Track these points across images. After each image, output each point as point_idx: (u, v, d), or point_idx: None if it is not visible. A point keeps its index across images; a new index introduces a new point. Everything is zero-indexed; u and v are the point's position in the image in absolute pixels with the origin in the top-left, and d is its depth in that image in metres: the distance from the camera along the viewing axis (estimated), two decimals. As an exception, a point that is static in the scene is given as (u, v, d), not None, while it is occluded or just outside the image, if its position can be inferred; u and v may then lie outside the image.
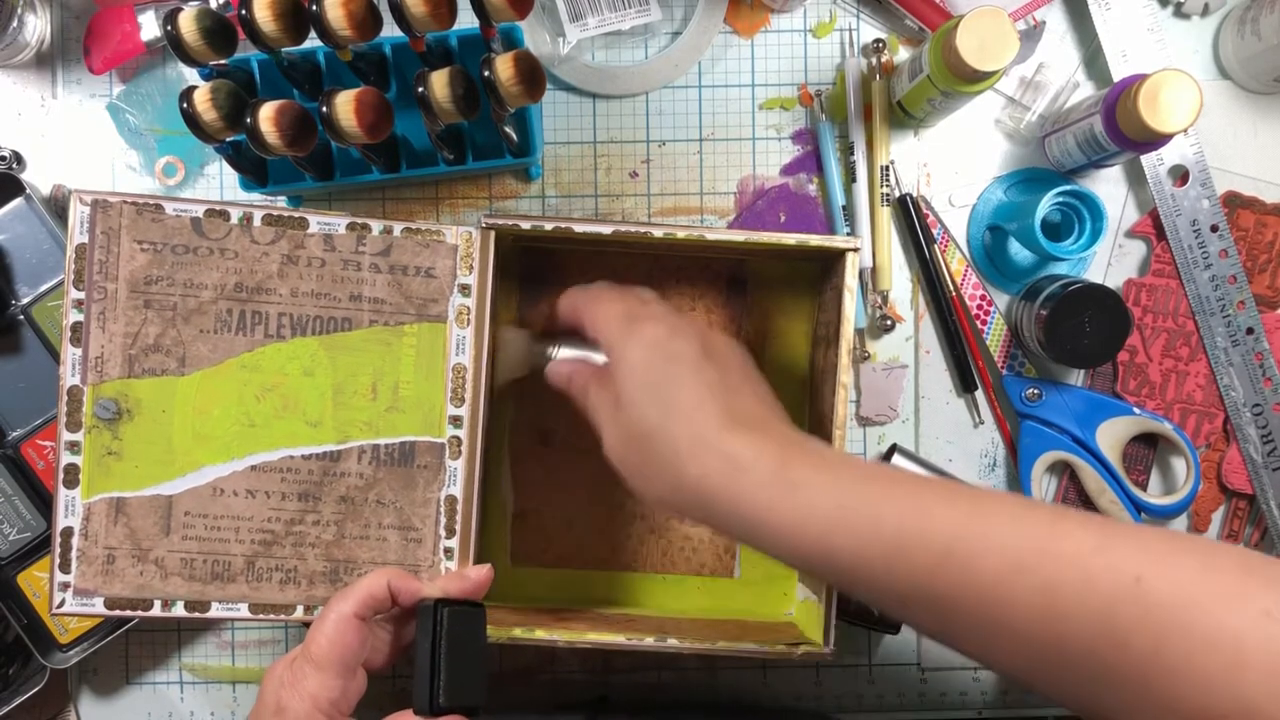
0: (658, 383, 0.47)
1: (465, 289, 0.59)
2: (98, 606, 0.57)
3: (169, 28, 0.52)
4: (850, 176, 0.67)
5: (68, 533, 0.56)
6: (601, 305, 0.53)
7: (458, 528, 0.59)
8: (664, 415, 0.46)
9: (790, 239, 0.59)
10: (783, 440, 0.46)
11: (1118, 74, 0.65)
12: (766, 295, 0.66)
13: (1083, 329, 0.61)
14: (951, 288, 0.67)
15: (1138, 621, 0.35)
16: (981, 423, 0.68)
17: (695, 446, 0.45)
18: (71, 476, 0.56)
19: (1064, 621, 0.36)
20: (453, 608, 0.51)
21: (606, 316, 0.52)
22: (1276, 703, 0.33)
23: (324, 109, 0.53)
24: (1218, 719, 0.34)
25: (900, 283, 0.68)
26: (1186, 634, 0.34)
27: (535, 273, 0.66)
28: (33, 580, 0.65)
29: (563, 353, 0.58)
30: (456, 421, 0.59)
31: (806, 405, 0.66)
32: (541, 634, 0.57)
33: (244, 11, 0.51)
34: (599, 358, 0.55)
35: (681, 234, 0.59)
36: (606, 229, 0.58)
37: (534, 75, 0.54)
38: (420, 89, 0.54)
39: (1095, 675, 0.36)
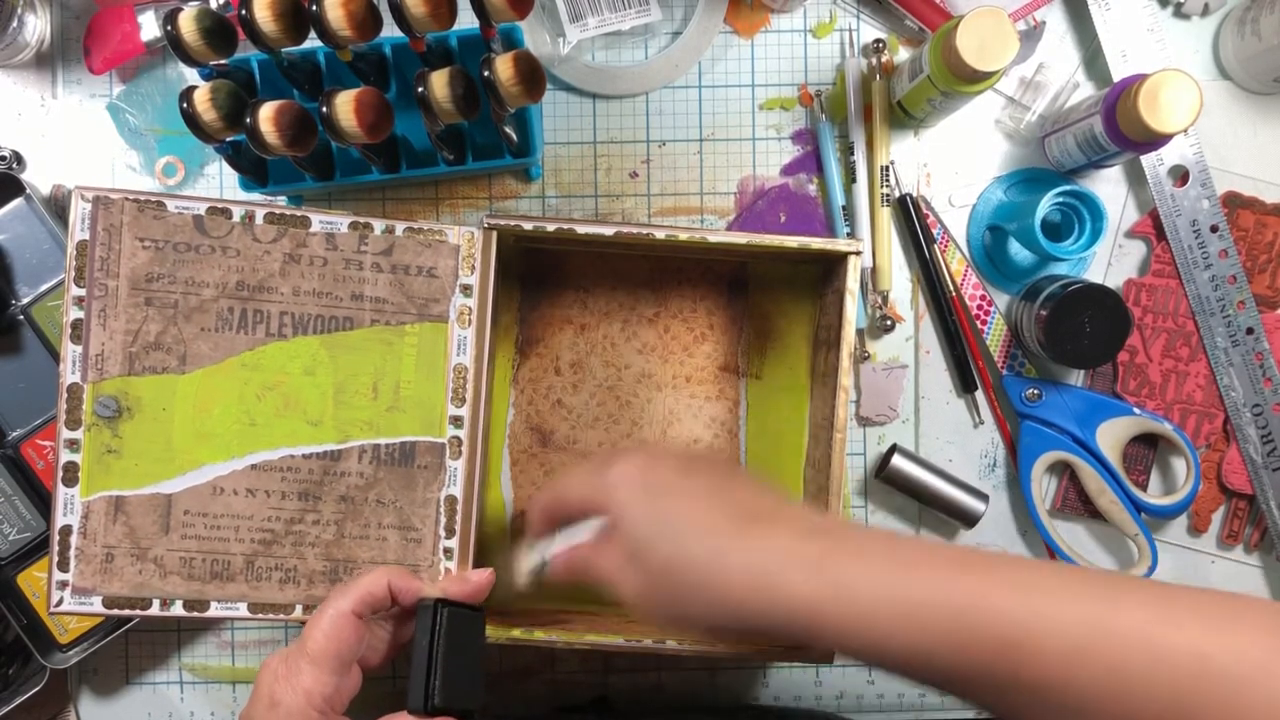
0: (654, 515, 0.46)
1: (467, 289, 0.59)
2: (96, 605, 0.57)
3: (169, 28, 0.52)
4: (850, 176, 0.67)
5: (66, 531, 0.56)
6: (569, 487, 0.51)
7: (458, 528, 0.59)
8: (674, 542, 0.45)
9: (792, 242, 0.59)
10: (805, 530, 0.44)
11: (1118, 74, 0.65)
12: (768, 297, 0.66)
13: (1083, 329, 0.61)
14: (951, 288, 0.67)
15: (1206, 696, 0.35)
16: (981, 423, 0.68)
17: (717, 559, 0.44)
18: (71, 474, 0.56)
19: (1132, 700, 0.37)
20: (453, 608, 0.51)
21: (578, 491, 0.50)
22: None
23: (324, 109, 0.53)
24: None
25: (900, 283, 0.68)
26: (1253, 705, 0.35)
27: (536, 273, 0.66)
28: (32, 580, 0.65)
29: (553, 550, 0.53)
30: (457, 421, 0.59)
31: (807, 407, 0.66)
32: (541, 634, 0.57)
33: (244, 11, 0.52)
34: (582, 531, 0.51)
35: (683, 236, 0.59)
36: (609, 230, 0.58)
37: (534, 75, 0.54)
38: (420, 89, 0.54)
39: None
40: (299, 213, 0.57)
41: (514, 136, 0.63)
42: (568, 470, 0.53)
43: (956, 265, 0.67)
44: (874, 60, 0.66)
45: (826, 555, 0.42)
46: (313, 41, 0.55)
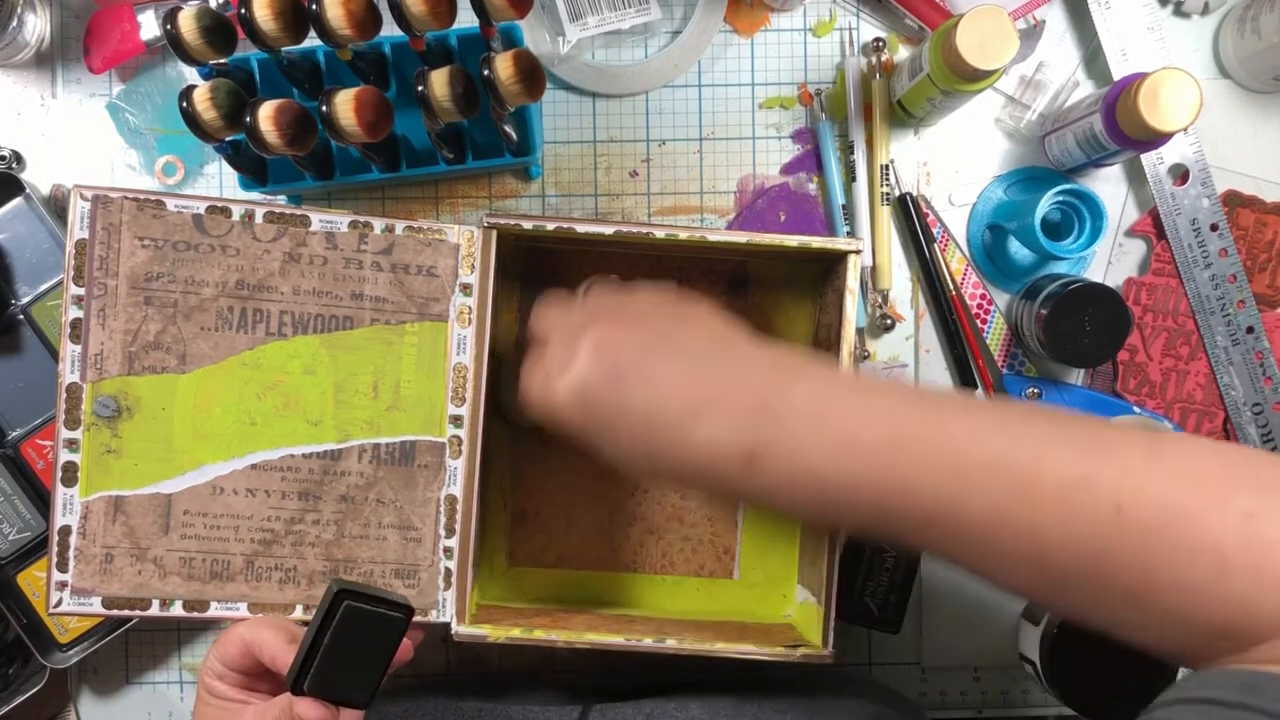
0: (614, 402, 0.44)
1: (467, 288, 0.59)
2: (95, 606, 0.57)
3: (169, 27, 0.52)
4: (850, 176, 0.67)
5: (65, 531, 0.56)
6: (541, 322, 0.49)
7: (457, 527, 0.59)
8: (659, 337, 0.45)
9: (792, 241, 0.59)
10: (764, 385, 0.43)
11: (1118, 73, 0.65)
12: (767, 296, 0.66)
13: (1083, 328, 0.61)
14: (951, 287, 0.67)
15: (1123, 549, 0.36)
16: (982, 422, 0.68)
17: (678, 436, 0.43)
18: (70, 474, 0.56)
19: (1051, 559, 0.38)
20: (353, 604, 0.48)
21: (544, 327, 0.49)
22: (1263, 595, 0.34)
23: (324, 108, 0.53)
24: (1212, 623, 0.35)
25: (900, 282, 0.68)
26: (1171, 552, 0.35)
27: (536, 272, 0.66)
28: (32, 580, 0.65)
29: None
30: (457, 421, 0.59)
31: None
32: (541, 634, 0.57)
33: (244, 11, 0.52)
34: None
35: (683, 235, 0.59)
36: (608, 229, 0.58)
37: (534, 74, 0.54)
38: (420, 88, 0.54)
39: (1090, 600, 0.38)
40: (299, 212, 0.57)
41: (514, 135, 0.63)
42: (549, 307, 0.50)
43: (956, 264, 0.67)
44: (874, 59, 0.66)
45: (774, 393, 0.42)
46: (312, 40, 0.55)
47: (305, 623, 0.52)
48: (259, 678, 0.52)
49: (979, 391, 0.67)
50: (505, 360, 0.62)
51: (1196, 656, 0.37)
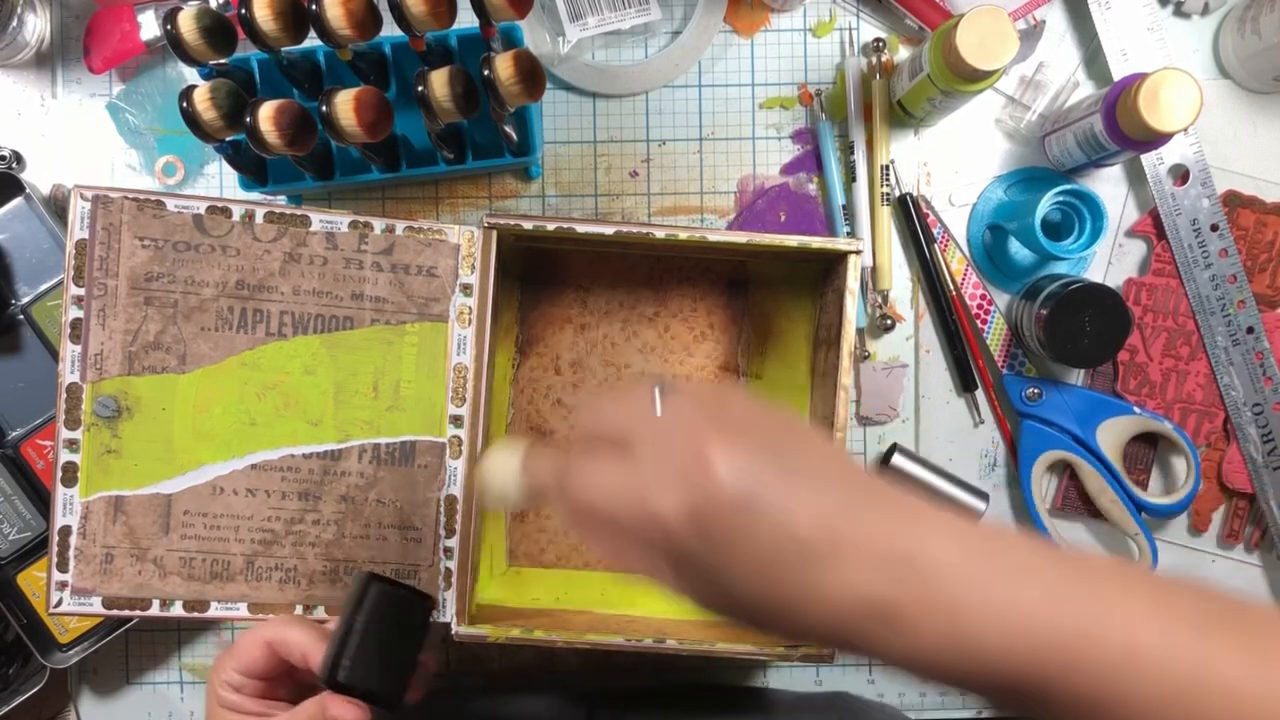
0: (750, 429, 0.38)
1: (467, 288, 0.59)
2: (96, 606, 0.57)
3: (169, 27, 0.52)
4: (850, 176, 0.67)
5: (65, 531, 0.56)
6: (600, 415, 0.41)
7: (458, 528, 0.59)
8: (779, 461, 0.37)
9: (792, 241, 0.59)
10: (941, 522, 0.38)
11: (1118, 73, 0.65)
12: (767, 297, 0.66)
13: (1083, 328, 0.61)
14: (951, 287, 0.67)
15: None
16: (982, 422, 0.68)
17: (835, 521, 0.36)
18: (70, 475, 0.56)
19: None
20: (384, 586, 0.48)
21: (610, 423, 0.40)
22: None
23: (324, 108, 0.53)
24: None
25: (900, 282, 0.68)
26: None
27: (536, 272, 0.66)
28: (32, 580, 0.64)
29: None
30: (457, 421, 0.59)
31: (807, 407, 0.66)
32: (541, 634, 0.57)
33: (244, 11, 0.51)
34: None
35: (683, 235, 0.59)
36: (608, 229, 0.58)
37: (534, 74, 0.54)
38: (420, 88, 0.54)
39: None
40: (299, 212, 0.57)
41: (514, 136, 0.62)
42: (619, 403, 0.41)
43: (956, 264, 0.67)
44: (874, 59, 0.66)
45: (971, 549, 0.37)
46: (312, 41, 0.55)
47: (321, 621, 0.52)
48: (279, 683, 0.51)
49: (985, 413, 0.68)
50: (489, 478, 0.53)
51: None
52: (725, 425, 0.38)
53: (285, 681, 0.51)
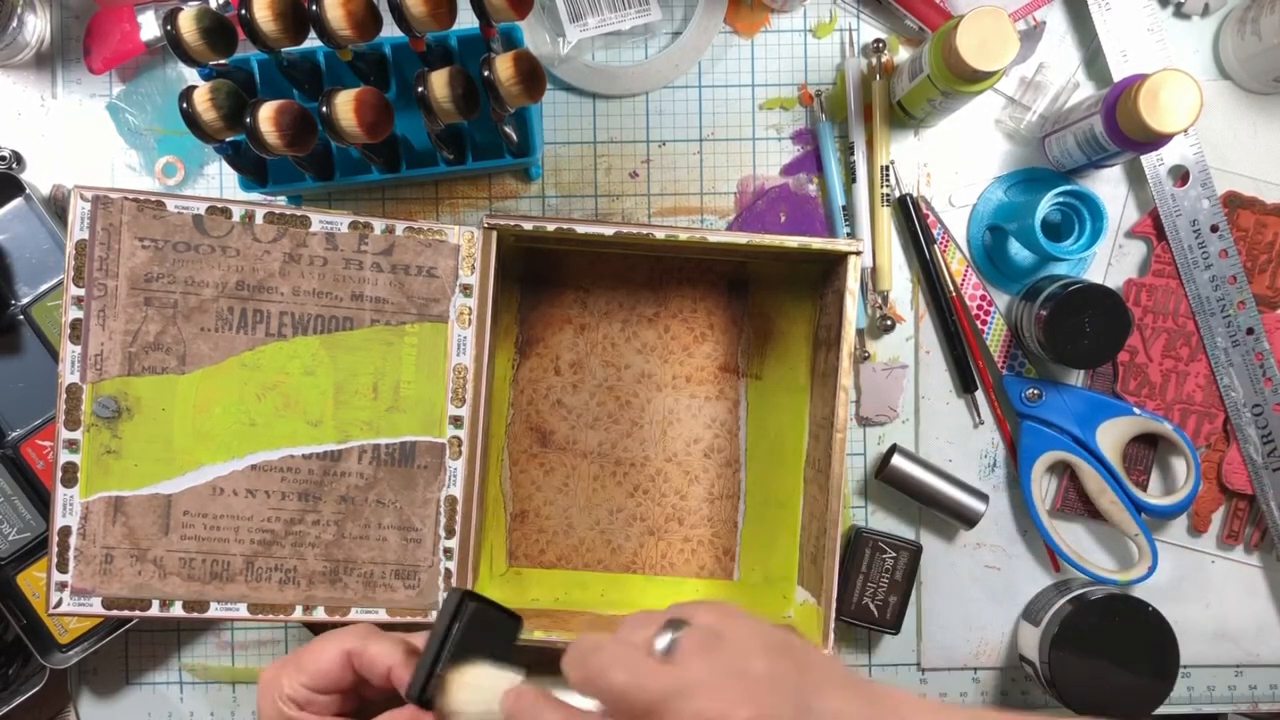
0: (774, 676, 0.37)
1: (467, 289, 0.59)
2: (95, 606, 0.57)
3: (169, 27, 0.52)
4: (850, 176, 0.67)
5: (65, 532, 0.56)
6: (610, 672, 0.38)
7: (457, 528, 0.59)
8: (803, 711, 0.36)
9: (793, 242, 0.59)
10: None
11: (1118, 74, 0.65)
12: (768, 297, 0.66)
13: (1083, 329, 0.61)
14: (951, 288, 0.67)
15: None
16: (981, 423, 0.68)
17: None
18: (70, 475, 0.56)
19: None
20: (480, 604, 0.46)
21: (622, 686, 0.38)
22: None
23: (324, 109, 0.53)
24: None
25: (900, 283, 0.68)
26: None
27: (536, 273, 0.66)
28: (32, 580, 0.65)
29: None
30: (457, 421, 0.59)
31: (807, 407, 0.66)
32: (541, 634, 0.57)
33: (244, 11, 0.51)
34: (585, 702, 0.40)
35: (683, 236, 0.59)
36: (608, 230, 0.58)
37: (534, 75, 0.54)
38: (420, 89, 0.54)
39: None
40: (299, 212, 0.57)
41: (514, 136, 0.63)
42: (600, 642, 0.39)
43: (956, 265, 0.67)
44: (874, 60, 0.66)
45: None
46: (313, 41, 0.55)
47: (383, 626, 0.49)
48: (346, 698, 0.46)
49: (984, 413, 0.67)
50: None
51: None
52: (746, 682, 0.37)
53: (351, 698, 0.46)
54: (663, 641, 0.38)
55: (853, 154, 0.67)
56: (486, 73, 0.54)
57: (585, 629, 0.43)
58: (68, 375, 0.56)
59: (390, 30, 0.54)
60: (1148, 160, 0.66)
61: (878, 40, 0.67)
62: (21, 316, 0.66)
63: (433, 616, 0.59)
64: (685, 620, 0.39)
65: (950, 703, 0.40)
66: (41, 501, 0.65)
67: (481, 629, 0.45)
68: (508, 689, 0.41)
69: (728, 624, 0.39)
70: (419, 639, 0.45)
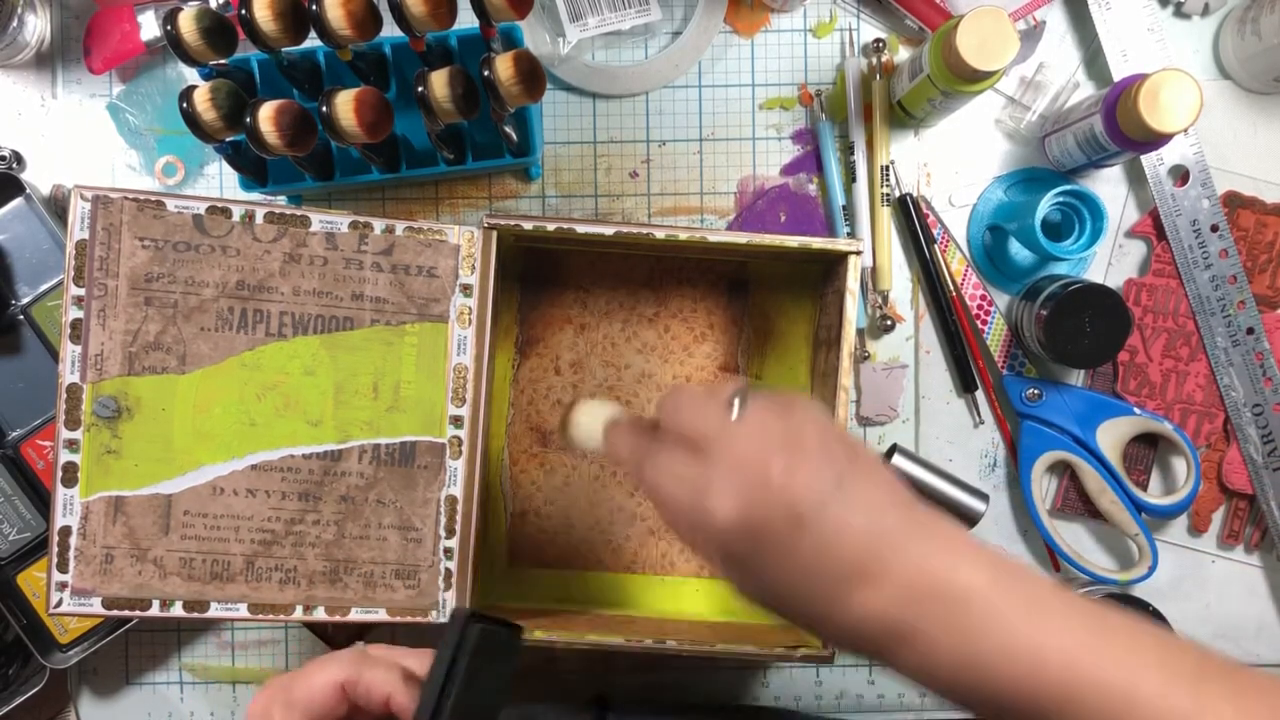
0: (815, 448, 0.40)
1: (467, 289, 0.59)
2: (96, 606, 0.57)
3: (169, 27, 0.52)
4: (850, 176, 0.67)
5: (65, 532, 0.56)
6: (698, 398, 0.44)
7: (458, 528, 0.59)
8: (836, 485, 0.40)
9: (793, 241, 0.59)
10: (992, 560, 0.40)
11: (1118, 74, 0.65)
12: (768, 297, 0.66)
13: (1083, 329, 0.61)
14: (951, 288, 0.67)
15: None
16: (982, 423, 0.68)
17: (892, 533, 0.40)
18: (70, 475, 0.56)
19: None
20: (484, 626, 0.44)
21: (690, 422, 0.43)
22: None
23: (324, 109, 0.53)
24: None
25: (900, 283, 0.68)
26: None
27: (536, 273, 0.66)
28: (32, 580, 0.65)
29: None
30: (457, 421, 0.59)
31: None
32: (541, 634, 0.57)
33: (244, 11, 0.51)
34: None
35: (683, 235, 0.59)
36: (608, 230, 0.58)
37: (534, 75, 0.54)
38: (420, 89, 0.54)
39: None
40: (299, 212, 0.57)
41: (514, 136, 0.63)
42: (703, 402, 0.43)
43: (956, 265, 0.67)
44: (874, 60, 0.66)
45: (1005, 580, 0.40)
46: (313, 41, 0.55)
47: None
48: None
49: (985, 413, 0.67)
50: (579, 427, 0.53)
51: None
52: (792, 444, 0.41)
53: None
54: (736, 402, 0.43)
55: (853, 154, 0.67)
56: (486, 73, 0.54)
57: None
58: (68, 375, 0.56)
59: (390, 30, 0.54)
60: (1148, 160, 0.66)
61: (878, 40, 0.67)
62: (21, 316, 0.66)
63: (433, 616, 0.59)
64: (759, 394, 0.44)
65: (998, 548, 0.45)
66: (41, 501, 0.65)
67: (489, 648, 0.44)
68: (608, 420, 0.48)
69: (799, 404, 0.43)
70: (412, 658, 0.44)
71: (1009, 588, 0.40)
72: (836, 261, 0.60)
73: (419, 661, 0.44)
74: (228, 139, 0.56)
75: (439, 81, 0.54)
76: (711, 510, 0.40)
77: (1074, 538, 0.68)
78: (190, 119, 0.53)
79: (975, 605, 0.39)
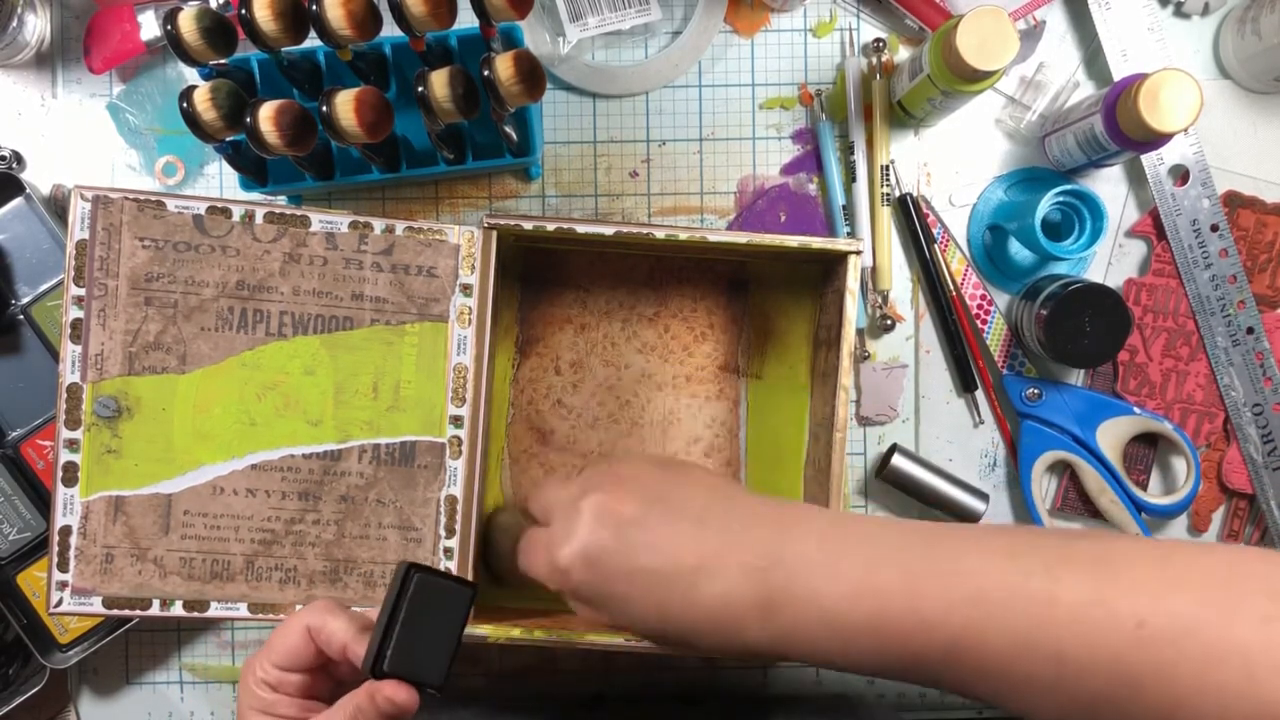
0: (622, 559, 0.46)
1: (467, 289, 0.59)
2: (96, 606, 0.57)
3: (169, 27, 0.52)
4: (850, 176, 0.67)
5: (66, 531, 0.56)
6: (540, 498, 0.51)
7: (458, 528, 0.59)
8: (654, 511, 0.46)
9: (793, 241, 0.59)
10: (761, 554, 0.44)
11: (1118, 73, 0.65)
12: (768, 297, 0.66)
13: (1083, 329, 0.61)
14: (951, 287, 0.67)
15: (1147, 664, 0.36)
16: (981, 422, 0.68)
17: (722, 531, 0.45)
18: (70, 475, 0.56)
19: (1078, 682, 0.38)
20: (425, 575, 0.47)
21: (543, 503, 0.51)
22: None
23: (324, 108, 0.53)
24: None
25: (900, 282, 0.68)
26: (1195, 660, 0.36)
27: (536, 273, 0.66)
28: (32, 580, 0.65)
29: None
30: (457, 421, 0.59)
31: (807, 407, 0.66)
32: (541, 634, 0.57)
33: (244, 11, 0.51)
34: None
35: (683, 235, 0.59)
36: (608, 230, 0.58)
37: (534, 75, 0.54)
38: (420, 89, 0.54)
39: (1119, 717, 0.38)
40: (299, 212, 0.57)
41: (514, 136, 0.63)
42: (545, 487, 0.52)
43: (956, 265, 0.67)
44: (874, 59, 0.66)
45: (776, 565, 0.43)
46: (313, 41, 0.55)
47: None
48: (317, 680, 0.48)
49: (985, 413, 0.68)
50: (496, 535, 0.63)
51: None
52: (614, 484, 0.47)
53: (322, 678, 0.49)
54: (576, 472, 0.51)
55: (853, 153, 0.67)
56: (486, 72, 0.54)
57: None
58: (68, 375, 0.56)
59: (390, 30, 0.54)
60: (1148, 160, 0.66)
61: (878, 40, 0.67)
62: (21, 316, 0.66)
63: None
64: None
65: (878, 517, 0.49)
66: (41, 501, 0.65)
67: (430, 598, 0.47)
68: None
69: (626, 457, 0.52)
70: (373, 614, 0.48)
71: (840, 543, 0.42)
72: (836, 261, 0.60)
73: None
74: (228, 139, 0.56)
75: (439, 81, 0.54)
76: (558, 566, 0.46)
77: (1074, 537, 0.68)
78: (190, 119, 0.53)
79: (813, 569, 0.42)
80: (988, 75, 0.58)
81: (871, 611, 0.41)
